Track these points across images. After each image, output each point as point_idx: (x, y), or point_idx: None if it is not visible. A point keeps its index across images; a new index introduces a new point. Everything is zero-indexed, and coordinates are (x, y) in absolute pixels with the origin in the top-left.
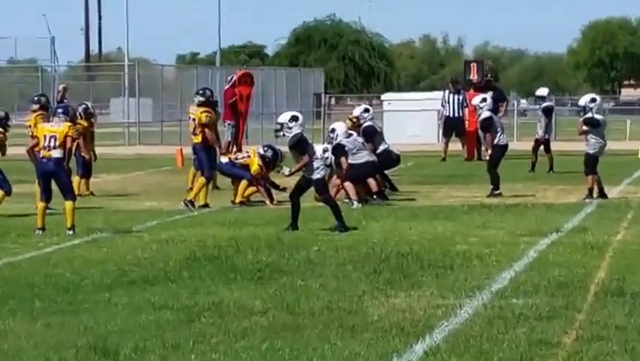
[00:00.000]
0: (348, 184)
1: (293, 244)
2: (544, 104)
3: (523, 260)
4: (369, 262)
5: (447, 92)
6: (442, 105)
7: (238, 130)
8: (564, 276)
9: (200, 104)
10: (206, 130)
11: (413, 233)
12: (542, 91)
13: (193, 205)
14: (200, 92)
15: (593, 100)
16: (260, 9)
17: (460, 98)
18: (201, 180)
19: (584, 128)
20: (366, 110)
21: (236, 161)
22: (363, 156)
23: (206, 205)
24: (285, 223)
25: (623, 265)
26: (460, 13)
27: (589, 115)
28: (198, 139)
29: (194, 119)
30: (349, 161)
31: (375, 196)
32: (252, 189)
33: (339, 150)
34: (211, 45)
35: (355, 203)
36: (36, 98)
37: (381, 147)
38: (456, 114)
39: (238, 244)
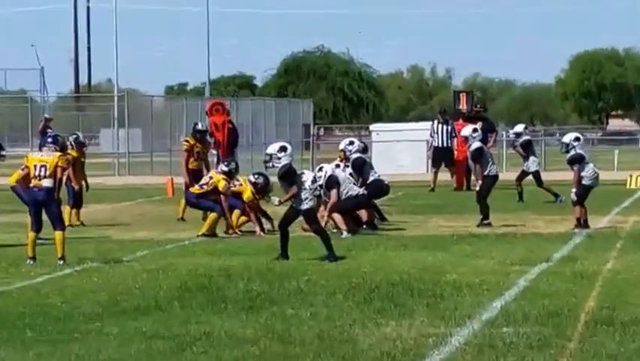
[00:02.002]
0: (336, 215)
1: (283, 273)
2: (522, 140)
3: (514, 289)
4: (360, 292)
5: (435, 122)
6: (431, 135)
7: (219, 159)
8: (554, 305)
9: (223, 172)
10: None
11: (403, 263)
12: (518, 128)
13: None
14: (226, 163)
15: (577, 139)
16: (249, 40)
17: (449, 128)
18: (213, 215)
19: (575, 168)
20: (351, 143)
21: (230, 189)
22: (353, 189)
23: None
24: (275, 253)
25: (613, 294)
26: (448, 44)
27: (572, 153)
28: (197, 190)
29: (210, 177)
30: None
31: (365, 226)
32: (243, 218)
33: (332, 182)
34: (200, 76)
35: (345, 233)
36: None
37: (371, 177)
38: (445, 144)
39: (229, 274)
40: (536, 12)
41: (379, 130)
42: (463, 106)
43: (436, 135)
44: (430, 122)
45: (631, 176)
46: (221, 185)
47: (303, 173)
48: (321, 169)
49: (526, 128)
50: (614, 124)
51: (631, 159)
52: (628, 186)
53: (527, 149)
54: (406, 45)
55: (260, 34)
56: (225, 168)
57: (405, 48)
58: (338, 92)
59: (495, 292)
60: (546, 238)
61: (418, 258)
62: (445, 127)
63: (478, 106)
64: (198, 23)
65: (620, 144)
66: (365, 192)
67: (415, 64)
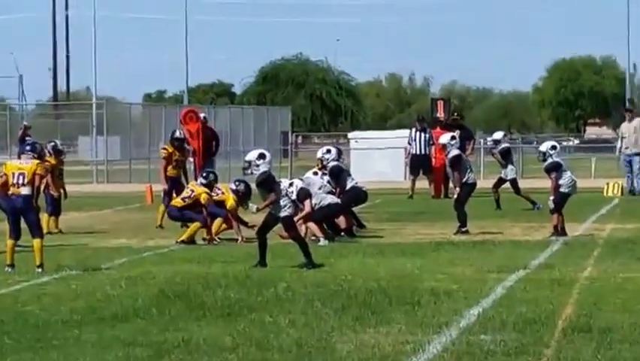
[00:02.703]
0: (311, 224)
1: (261, 280)
2: (501, 147)
3: (491, 296)
4: (338, 299)
5: (413, 130)
6: (409, 143)
7: (196, 167)
8: (532, 312)
9: (203, 185)
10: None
11: (381, 270)
12: (497, 135)
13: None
14: (205, 175)
15: (554, 147)
16: (227, 48)
17: (427, 136)
18: (196, 223)
19: (552, 176)
20: (328, 151)
21: (213, 198)
22: (326, 199)
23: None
24: (253, 260)
25: (590, 301)
26: (426, 52)
27: (549, 161)
28: (179, 203)
29: (192, 190)
30: (314, 201)
31: (343, 233)
32: (222, 225)
33: (304, 194)
34: (178, 83)
35: (322, 240)
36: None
37: (349, 184)
38: (422, 152)
39: (207, 281)
40: (514, 20)
41: (358, 138)
42: (440, 114)
43: (414, 143)
44: (408, 130)
45: (608, 184)
46: (203, 197)
47: (281, 181)
48: (291, 184)
49: (505, 135)
50: (591, 132)
51: (608, 167)
52: (605, 194)
53: (506, 156)
54: (384, 53)
55: (238, 42)
56: (205, 181)
57: (383, 56)
58: (316, 100)
59: (473, 299)
60: (523, 246)
61: (396, 265)
62: (423, 135)
63: (456, 114)
64: (177, 31)
65: (597, 151)
66: (339, 201)
67: (393, 72)
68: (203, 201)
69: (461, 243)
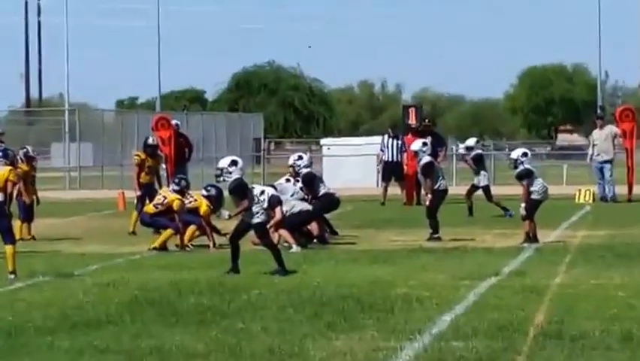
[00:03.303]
0: (282, 230)
1: (234, 287)
2: (473, 154)
3: (463, 303)
4: (310, 305)
5: (386, 136)
6: (381, 150)
7: (168, 174)
8: (504, 319)
9: (175, 191)
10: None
11: (354, 276)
12: (470, 141)
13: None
14: (177, 181)
15: (525, 154)
16: (200, 54)
17: (399, 142)
18: (168, 230)
19: (524, 183)
20: (300, 158)
21: (186, 206)
22: (297, 206)
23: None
24: (226, 267)
25: (562, 308)
26: (398, 59)
27: (520, 168)
28: (151, 210)
29: (164, 197)
30: (285, 208)
31: (315, 240)
32: (195, 232)
33: (275, 201)
34: (151, 90)
35: (294, 247)
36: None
37: (322, 191)
38: (395, 159)
39: (180, 288)
40: (485, 27)
41: (330, 144)
42: (412, 120)
43: (386, 150)
44: (380, 137)
45: (580, 190)
46: (176, 204)
47: (253, 187)
48: (262, 192)
49: (477, 142)
50: (563, 139)
51: (579, 174)
52: (577, 201)
53: (478, 163)
54: (356, 60)
55: (211, 49)
56: (177, 187)
57: (355, 63)
58: (289, 107)
59: (445, 306)
60: (495, 253)
61: (368, 272)
62: (395, 141)
63: (427, 120)
64: (149, 37)
65: (569, 158)
66: (310, 208)
67: (365, 79)
68: (175, 208)
69: (433, 250)
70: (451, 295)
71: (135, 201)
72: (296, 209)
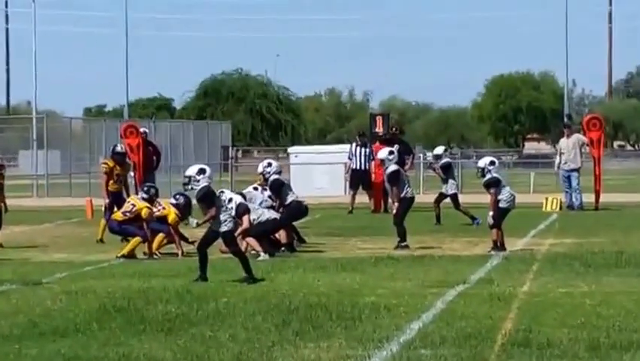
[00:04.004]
0: (250, 239)
1: (202, 295)
2: (442, 162)
3: (431, 311)
4: (279, 313)
5: (354, 144)
6: (349, 158)
7: (136, 182)
8: (471, 327)
9: (144, 199)
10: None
11: (321, 284)
12: (438, 150)
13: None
14: (146, 189)
15: (493, 163)
16: (167, 62)
17: (367, 150)
18: (136, 238)
19: (492, 192)
20: (269, 165)
21: (154, 214)
22: (265, 214)
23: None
24: (194, 275)
25: (529, 316)
26: (365, 67)
27: (488, 176)
28: (119, 217)
29: (133, 205)
30: (253, 217)
31: (283, 248)
32: (160, 240)
33: (242, 209)
34: (118, 97)
35: (262, 255)
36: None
37: (290, 198)
38: (363, 167)
39: (147, 296)
40: (453, 36)
41: (298, 152)
42: (379, 129)
43: (354, 158)
44: (348, 145)
45: (547, 199)
46: (144, 212)
47: (222, 192)
48: (230, 200)
49: (445, 150)
50: (530, 147)
51: (546, 182)
52: (544, 209)
53: (447, 171)
54: (324, 68)
55: (178, 57)
56: (146, 196)
57: (323, 71)
58: (256, 115)
59: (413, 314)
60: (463, 260)
61: (336, 280)
62: (363, 150)
63: (395, 128)
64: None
65: (536, 167)
66: (278, 216)
67: (332, 87)
68: (144, 216)
69: (401, 258)
70: (419, 304)
71: (103, 209)
72: (264, 217)
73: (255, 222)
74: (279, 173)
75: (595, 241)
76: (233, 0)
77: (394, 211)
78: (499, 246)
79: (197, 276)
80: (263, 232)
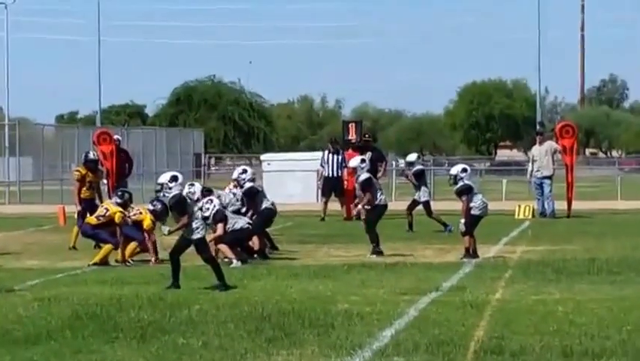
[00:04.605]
0: (222, 245)
1: (175, 302)
2: (415, 169)
3: (404, 318)
4: (251, 321)
5: (326, 152)
6: (322, 165)
7: (109, 188)
8: (444, 334)
9: (118, 204)
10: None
11: (294, 292)
12: (411, 157)
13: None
14: (120, 194)
15: (464, 170)
16: (139, 69)
17: (339, 158)
18: (108, 246)
19: (464, 199)
20: (244, 171)
21: (129, 218)
22: (238, 223)
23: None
24: (166, 282)
25: (502, 323)
26: (338, 74)
27: (460, 184)
28: (93, 221)
29: (106, 209)
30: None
31: (256, 255)
32: (133, 248)
33: (220, 216)
34: (91, 104)
35: (234, 262)
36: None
37: (264, 205)
38: (335, 174)
39: (120, 303)
40: (426, 43)
41: (270, 160)
42: (352, 136)
43: (326, 165)
44: (321, 152)
45: (519, 206)
46: (117, 217)
47: (192, 185)
48: (210, 201)
49: (418, 157)
50: (502, 154)
51: (519, 189)
52: (516, 216)
53: (419, 178)
54: (296, 75)
55: (151, 64)
56: (119, 200)
57: (295, 78)
58: (229, 122)
59: (385, 321)
60: (436, 268)
61: (309, 287)
62: (335, 157)
63: (367, 136)
64: (89, 52)
65: (508, 174)
66: (250, 224)
67: (305, 94)
68: (117, 221)
69: (373, 265)
70: (392, 311)
71: (76, 216)
72: (237, 225)
73: (229, 230)
74: (254, 180)
75: (567, 248)
76: (206, 7)
77: (362, 216)
78: (471, 253)
79: (170, 283)
80: (236, 240)
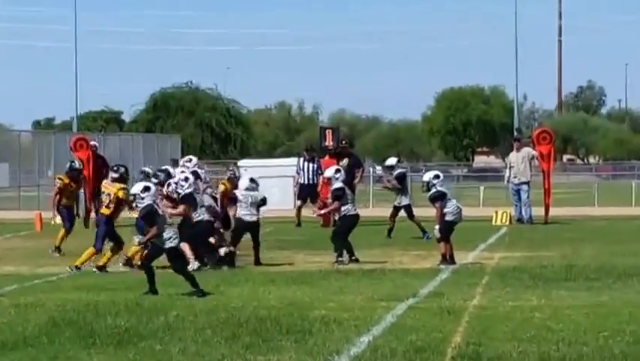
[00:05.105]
0: (184, 244)
1: (152, 308)
2: (396, 173)
3: (381, 325)
4: (228, 327)
5: (302, 159)
6: (297, 172)
7: (86, 195)
8: (421, 340)
9: (114, 180)
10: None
11: (271, 298)
12: (391, 161)
13: (78, 269)
14: (115, 168)
15: (437, 177)
16: (117, 75)
17: (315, 166)
18: (91, 249)
19: (437, 205)
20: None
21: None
22: (199, 215)
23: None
24: (143, 288)
25: (479, 329)
26: (315, 80)
27: (433, 190)
28: (107, 211)
29: (108, 194)
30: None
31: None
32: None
33: (185, 200)
34: (67, 110)
35: (192, 262)
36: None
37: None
38: (310, 182)
39: (97, 309)
40: (403, 49)
41: (247, 166)
42: (329, 142)
43: (302, 172)
44: (297, 159)
45: (496, 212)
46: (122, 194)
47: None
48: (186, 179)
49: (398, 161)
50: (480, 161)
51: (496, 196)
52: (493, 223)
53: (402, 182)
54: (273, 81)
55: (127, 70)
56: (116, 175)
57: (273, 84)
58: (206, 128)
59: (363, 327)
60: (413, 274)
61: (286, 293)
62: (311, 164)
63: (344, 142)
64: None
65: (486, 180)
66: (210, 219)
67: (282, 100)
68: (122, 197)
69: (351, 271)
70: (369, 317)
71: (58, 221)
72: (201, 218)
73: (194, 220)
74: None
75: (544, 254)
76: (184, 13)
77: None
78: (448, 259)
79: (147, 289)
80: (195, 235)
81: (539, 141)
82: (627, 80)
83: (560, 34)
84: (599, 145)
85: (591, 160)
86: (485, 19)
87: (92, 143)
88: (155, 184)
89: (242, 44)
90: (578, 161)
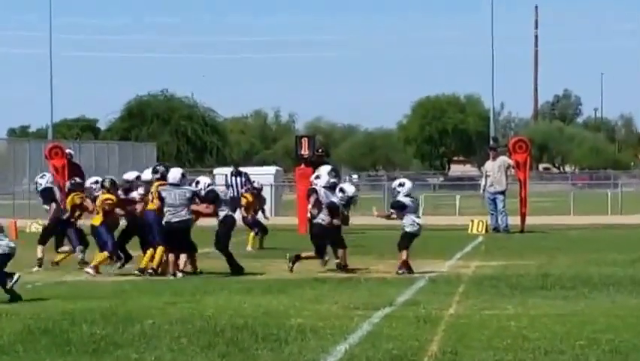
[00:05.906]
0: (182, 255)
1: (128, 317)
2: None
3: (357, 333)
4: (204, 336)
5: (228, 174)
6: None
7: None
8: (397, 349)
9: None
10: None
11: (247, 307)
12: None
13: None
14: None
15: (401, 185)
16: (92, 83)
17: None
18: (104, 253)
19: (391, 211)
20: (197, 183)
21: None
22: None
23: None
24: (120, 297)
25: (455, 338)
26: (291, 88)
27: (396, 199)
28: (96, 221)
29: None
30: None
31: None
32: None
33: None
34: (42, 118)
35: (177, 273)
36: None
37: (222, 213)
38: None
39: (73, 317)
40: (379, 58)
41: (223, 174)
42: (305, 151)
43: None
44: (274, 167)
45: (472, 221)
46: (76, 199)
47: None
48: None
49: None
50: (456, 169)
51: (472, 205)
52: (470, 231)
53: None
54: (249, 90)
55: (103, 77)
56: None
57: (249, 93)
58: (182, 136)
59: (339, 336)
60: (389, 282)
61: (262, 302)
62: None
63: (320, 150)
64: (41, 65)
65: (462, 189)
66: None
67: (258, 108)
68: (77, 202)
69: (327, 279)
70: (345, 326)
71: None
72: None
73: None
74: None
75: (521, 263)
76: (159, 20)
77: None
78: (409, 267)
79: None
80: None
81: (515, 149)
82: (603, 89)
83: (536, 44)
84: (575, 154)
85: (567, 169)
86: (461, 29)
87: (67, 151)
88: (157, 179)
89: (217, 52)
90: (554, 170)
